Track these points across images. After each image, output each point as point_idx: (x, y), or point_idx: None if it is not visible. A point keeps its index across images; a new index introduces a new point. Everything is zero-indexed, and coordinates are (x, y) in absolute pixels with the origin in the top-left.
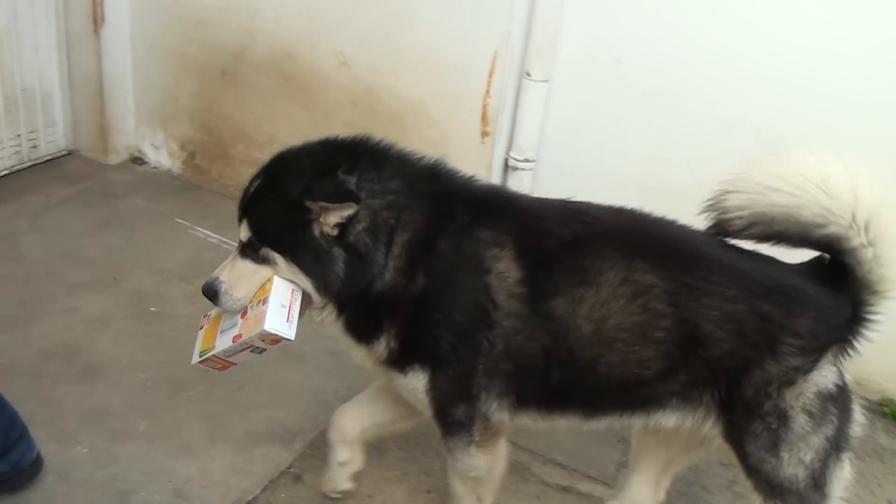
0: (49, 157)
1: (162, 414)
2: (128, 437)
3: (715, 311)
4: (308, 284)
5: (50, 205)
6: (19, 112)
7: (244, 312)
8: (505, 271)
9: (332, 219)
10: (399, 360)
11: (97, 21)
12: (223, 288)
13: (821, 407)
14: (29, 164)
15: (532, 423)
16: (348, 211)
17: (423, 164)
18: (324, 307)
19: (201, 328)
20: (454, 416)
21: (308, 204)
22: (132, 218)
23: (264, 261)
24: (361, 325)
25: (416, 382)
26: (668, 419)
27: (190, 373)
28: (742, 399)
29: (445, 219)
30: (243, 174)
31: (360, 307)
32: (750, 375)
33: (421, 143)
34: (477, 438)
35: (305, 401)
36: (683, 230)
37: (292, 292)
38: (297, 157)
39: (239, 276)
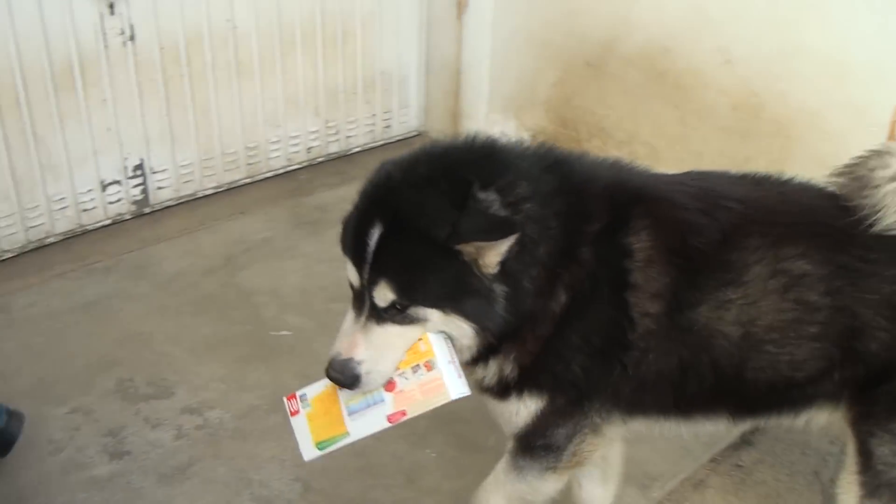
0: (400, 138)
1: None
2: (476, 449)
3: (874, 295)
4: (468, 331)
5: None
6: (376, 93)
7: (390, 384)
8: (644, 283)
9: (493, 258)
10: (509, 388)
11: (461, 6)
12: (364, 368)
13: None
14: (381, 142)
15: (646, 428)
16: (508, 244)
17: (536, 155)
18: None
19: (295, 414)
20: (549, 438)
21: (461, 248)
22: None
23: (413, 321)
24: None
25: (521, 408)
26: (819, 418)
27: None
28: (890, 393)
29: (581, 222)
30: None
31: None
32: None
33: (809, 158)
34: (561, 464)
35: (666, 441)
36: (836, 198)
37: (447, 343)
38: (413, 183)
39: (383, 347)
